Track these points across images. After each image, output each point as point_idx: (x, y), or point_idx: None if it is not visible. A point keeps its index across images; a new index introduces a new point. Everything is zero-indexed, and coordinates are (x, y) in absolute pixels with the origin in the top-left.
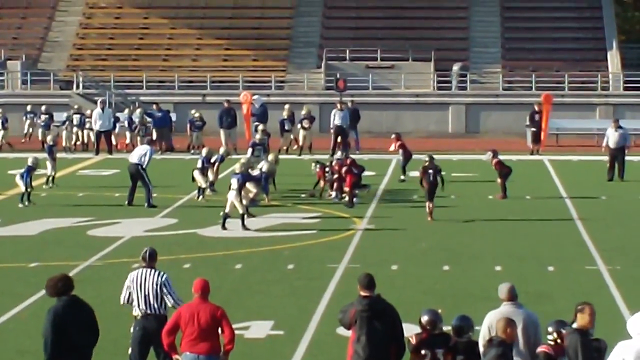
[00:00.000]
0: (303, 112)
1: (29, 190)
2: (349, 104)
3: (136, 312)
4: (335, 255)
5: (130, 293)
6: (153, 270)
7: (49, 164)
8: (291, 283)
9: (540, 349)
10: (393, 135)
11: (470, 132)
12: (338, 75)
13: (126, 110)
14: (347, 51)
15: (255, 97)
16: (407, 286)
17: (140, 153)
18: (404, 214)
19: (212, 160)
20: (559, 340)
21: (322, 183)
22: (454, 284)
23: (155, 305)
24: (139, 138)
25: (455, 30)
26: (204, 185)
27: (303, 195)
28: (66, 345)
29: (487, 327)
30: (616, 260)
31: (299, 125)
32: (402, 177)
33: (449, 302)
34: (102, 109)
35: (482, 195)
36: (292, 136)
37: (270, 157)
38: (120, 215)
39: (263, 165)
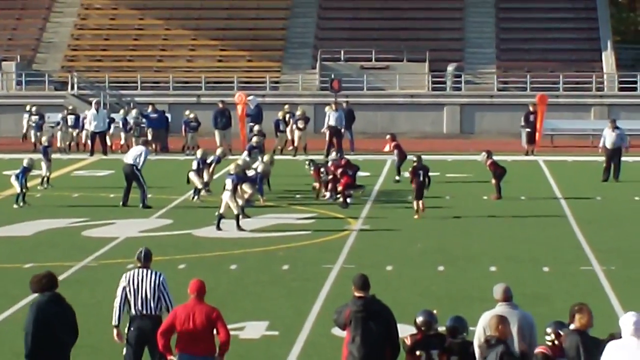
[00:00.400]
0: (298, 112)
1: (24, 191)
2: (344, 105)
3: (132, 312)
4: (330, 256)
5: (126, 294)
6: (149, 271)
7: (43, 165)
8: (286, 284)
9: (538, 350)
10: (388, 136)
11: (465, 132)
12: (333, 76)
13: (121, 111)
14: (342, 52)
15: (250, 97)
16: (402, 287)
17: (135, 154)
18: (398, 214)
19: (209, 162)
20: (556, 342)
21: (317, 184)
22: (449, 285)
23: (152, 306)
24: (133, 139)
25: (450, 30)
26: (199, 186)
27: (298, 196)
28: (48, 340)
29: (482, 327)
30: (611, 261)
31: (293, 126)
32: (397, 177)
33: (444, 303)
34: (97, 110)
35: (477, 196)
36: (288, 136)
37: (266, 157)
38: (115, 216)
39: (258, 166)
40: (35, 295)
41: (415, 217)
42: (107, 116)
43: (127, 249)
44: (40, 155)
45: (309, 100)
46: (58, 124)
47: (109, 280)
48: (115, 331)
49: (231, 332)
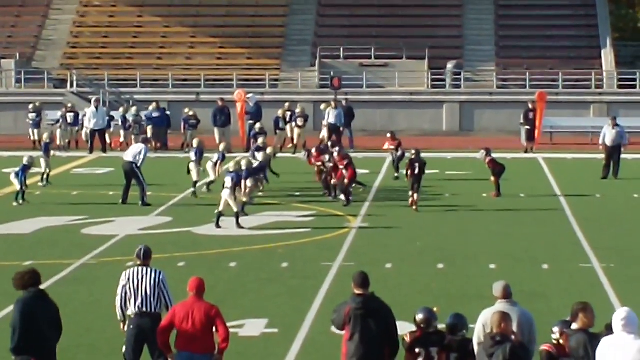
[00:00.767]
0: (297, 110)
1: (23, 188)
2: (343, 102)
3: (131, 310)
4: (330, 253)
5: (125, 292)
6: (149, 269)
7: (43, 162)
8: (285, 281)
9: (543, 348)
10: (388, 135)
11: (465, 130)
12: (332, 74)
13: (121, 109)
14: (341, 49)
15: (250, 95)
16: (402, 285)
17: (135, 151)
18: (398, 212)
19: (214, 161)
20: (561, 341)
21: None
22: (449, 283)
23: (152, 303)
24: (133, 137)
25: (449, 28)
26: (195, 179)
27: (297, 194)
28: (33, 336)
29: (482, 325)
30: (610, 259)
31: (293, 124)
32: (397, 174)
33: (443, 301)
34: (96, 108)
35: (477, 193)
36: (287, 134)
37: (269, 150)
38: (114, 214)
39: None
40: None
41: (413, 207)
42: (107, 114)
43: (127, 247)
44: (40, 152)
45: (308, 98)
46: (57, 121)
47: (108, 278)
48: (121, 325)
49: (230, 330)
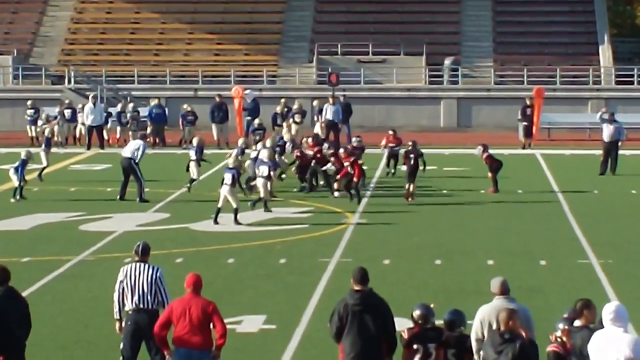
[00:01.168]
0: (294, 106)
1: (22, 184)
2: (341, 99)
3: (128, 306)
4: (327, 249)
5: (123, 288)
6: (147, 265)
7: (43, 156)
8: (283, 278)
9: (550, 349)
10: (390, 132)
11: (462, 126)
12: (330, 70)
13: (119, 105)
14: (339, 45)
15: (247, 91)
16: (399, 281)
17: (133, 147)
18: (396, 208)
19: (235, 154)
20: (564, 338)
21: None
22: (446, 279)
23: (149, 300)
24: (130, 133)
25: (446, 24)
26: (195, 177)
27: (295, 190)
28: (2, 334)
29: (480, 321)
30: (608, 254)
31: (290, 120)
32: (392, 171)
33: (441, 297)
34: (94, 104)
35: (474, 189)
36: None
37: (268, 142)
38: (112, 210)
39: (262, 152)
40: None
41: (409, 200)
42: (104, 110)
43: (125, 243)
44: (42, 147)
45: (306, 94)
46: (55, 117)
47: (106, 274)
48: (117, 324)
49: (228, 326)
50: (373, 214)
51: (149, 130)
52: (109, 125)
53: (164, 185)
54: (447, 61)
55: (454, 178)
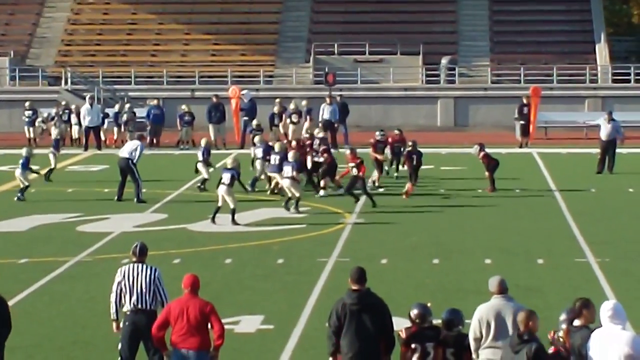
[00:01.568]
0: (291, 106)
1: (27, 184)
2: (338, 98)
3: (126, 307)
4: (325, 249)
5: (121, 288)
6: (145, 265)
7: (52, 158)
8: (281, 277)
9: (552, 350)
10: (396, 131)
11: (459, 125)
12: (326, 70)
13: (116, 106)
14: (336, 45)
15: (244, 91)
16: (397, 280)
17: (130, 148)
18: (393, 208)
19: (259, 155)
20: (562, 339)
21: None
22: (444, 278)
23: (148, 300)
24: (127, 134)
25: (443, 23)
26: (206, 176)
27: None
28: None
29: (478, 320)
30: (605, 253)
31: (287, 120)
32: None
33: (439, 296)
34: (91, 105)
35: (472, 188)
36: (281, 131)
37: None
38: (109, 211)
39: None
40: None
41: (404, 196)
42: (102, 111)
43: (122, 244)
44: (50, 149)
45: (303, 94)
46: (52, 118)
47: (103, 275)
48: (114, 324)
49: (226, 326)
50: (370, 213)
51: (148, 131)
52: (105, 126)
53: (162, 185)
54: (444, 60)
55: (451, 177)
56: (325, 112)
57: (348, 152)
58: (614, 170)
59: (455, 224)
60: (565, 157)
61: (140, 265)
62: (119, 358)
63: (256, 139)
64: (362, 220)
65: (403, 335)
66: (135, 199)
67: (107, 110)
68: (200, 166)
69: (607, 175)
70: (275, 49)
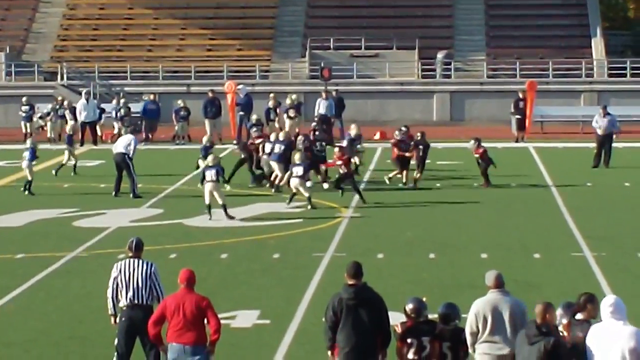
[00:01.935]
0: (287, 101)
1: (30, 179)
2: (334, 93)
3: (123, 302)
4: (321, 244)
5: (117, 284)
6: (141, 261)
7: (67, 153)
8: (277, 272)
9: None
10: (403, 128)
11: (455, 120)
12: (322, 65)
13: (114, 101)
14: (332, 40)
15: (240, 86)
16: (393, 275)
17: (125, 142)
18: (389, 202)
19: (278, 152)
20: (564, 332)
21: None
22: (440, 273)
23: (144, 295)
24: (123, 129)
25: (439, 18)
26: None
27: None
28: None
29: (474, 314)
30: (602, 247)
31: (284, 115)
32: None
33: (435, 291)
34: (87, 100)
35: (468, 183)
36: (277, 125)
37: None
38: (105, 206)
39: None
40: None
41: (405, 183)
42: (97, 106)
43: (118, 239)
44: (65, 146)
45: (299, 88)
46: (48, 114)
47: (99, 270)
48: (112, 319)
49: (222, 321)
50: (367, 208)
51: (144, 125)
52: (101, 121)
53: (158, 180)
54: (440, 55)
55: (447, 172)
56: (321, 106)
57: (336, 149)
58: (610, 165)
59: (451, 219)
60: (561, 152)
61: (136, 260)
62: (115, 353)
63: (272, 135)
64: (359, 215)
65: (398, 330)
66: (131, 194)
67: (104, 105)
68: (201, 162)
69: (603, 170)
70: (271, 43)
